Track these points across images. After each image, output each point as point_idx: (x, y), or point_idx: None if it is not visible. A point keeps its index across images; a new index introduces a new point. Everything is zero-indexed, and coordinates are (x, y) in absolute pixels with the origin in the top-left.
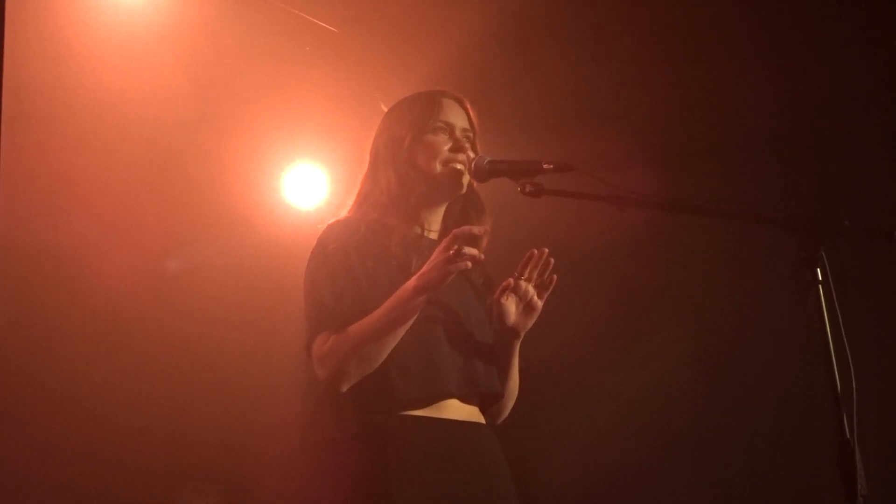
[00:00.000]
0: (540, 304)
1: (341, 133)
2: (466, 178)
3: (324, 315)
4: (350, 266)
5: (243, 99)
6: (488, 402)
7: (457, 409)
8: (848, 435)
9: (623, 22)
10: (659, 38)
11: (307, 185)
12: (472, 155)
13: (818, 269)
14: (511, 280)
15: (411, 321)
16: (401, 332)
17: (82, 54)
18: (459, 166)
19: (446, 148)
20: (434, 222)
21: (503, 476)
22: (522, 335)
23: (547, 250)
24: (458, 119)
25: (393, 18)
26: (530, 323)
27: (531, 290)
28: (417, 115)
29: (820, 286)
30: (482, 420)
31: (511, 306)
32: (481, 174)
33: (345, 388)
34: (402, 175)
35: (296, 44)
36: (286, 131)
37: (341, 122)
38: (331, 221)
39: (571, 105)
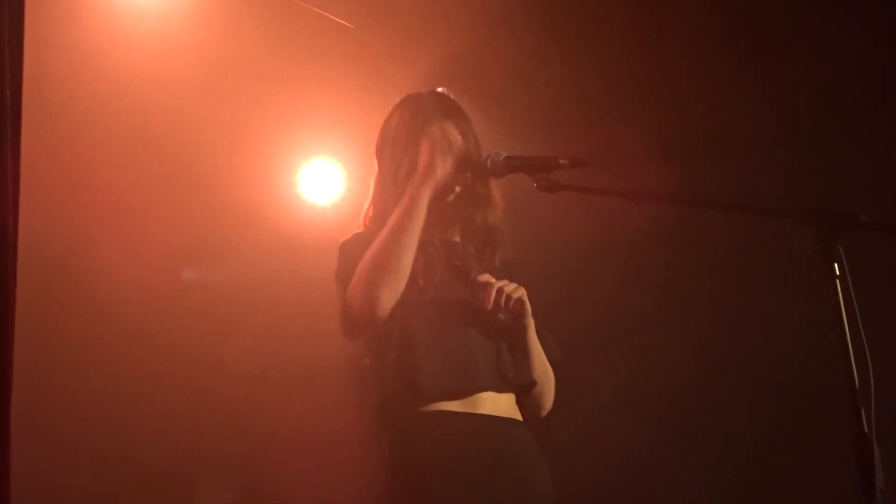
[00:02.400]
0: (517, 294)
1: (357, 128)
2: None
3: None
4: None
5: (259, 95)
6: (522, 391)
7: (492, 404)
8: (866, 429)
9: (636, 17)
10: (672, 32)
11: (323, 180)
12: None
13: (835, 264)
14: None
15: (421, 222)
16: (415, 230)
17: (99, 52)
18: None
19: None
20: (444, 223)
21: (540, 473)
22: (529, 321)
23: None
24: (458, 137)
25: (408, 14)
26: (526, 309)
27: (502, 293)
28: (420, 135)
29: (837, 280)
30: (518, 415)
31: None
32: (497, 170)
33: (380, 311)
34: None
35: (311, 39)
36: (302, 127)
37: (357, 118)
38: (344, 239)
39: (586, 100)
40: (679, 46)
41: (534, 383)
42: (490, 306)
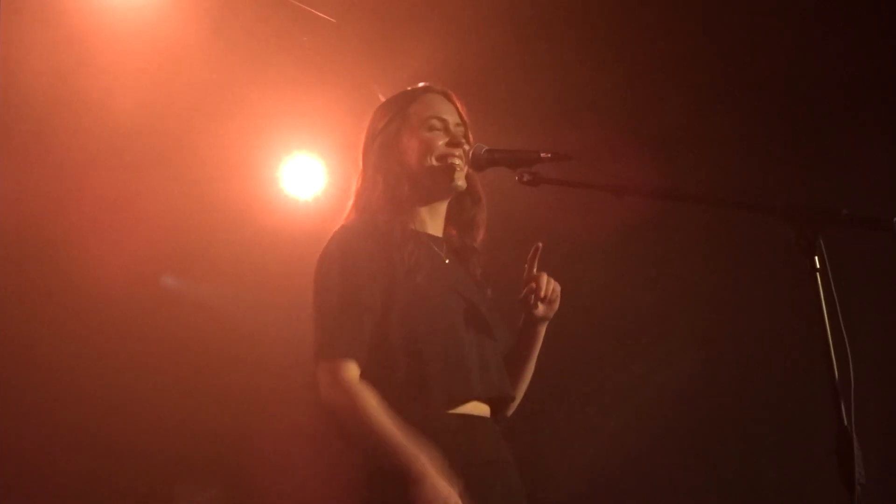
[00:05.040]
0: (559, 288)
1: (339, 124)
2: (462, 174)
3: (337, 339)
4: (361, 271)
5: (241, 90)
6: (500, 404)
7: (473, 406)
8: (846, 423)
9: (619, 14)
10: (654, 29)
11: (305, 175)
12: (467, 148)
13: (816, 258)
14: (533, 285)
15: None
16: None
17: (78, 44)
18: (457, 161)
19: (442, 143)
20: (433, 222)
21: (514, 468)
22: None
23: (540, 244)
24: (449, 114)
25: (390, 8)
26: (556, 307)
27: (551, 282)
28: (410, 111)
29: (818, 275)
30: (489, 415)
31: (539, 304)
32: (479, 163)
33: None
34: (394, 174)
35: (293, 34)
36: (284, 122)
37: (339, 113)
38: (336, 229)
39: (568, 96)
40: (662, 44)
41: (512, 398)
42: (542, 294)
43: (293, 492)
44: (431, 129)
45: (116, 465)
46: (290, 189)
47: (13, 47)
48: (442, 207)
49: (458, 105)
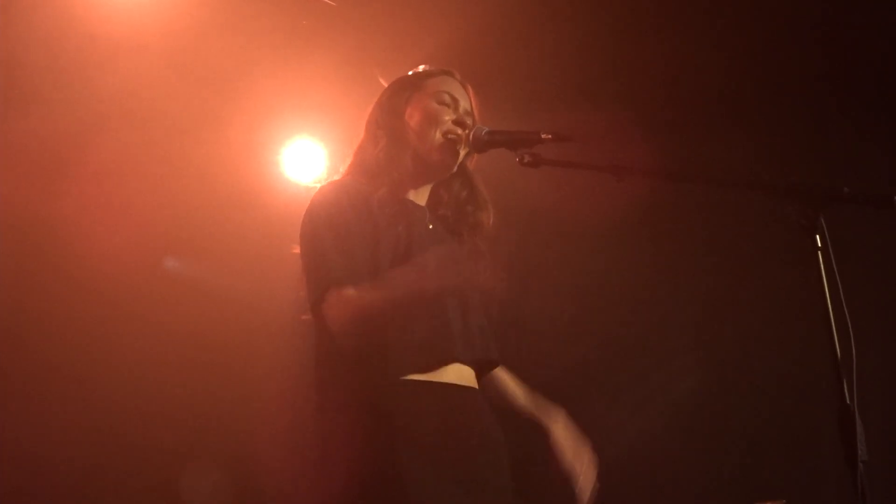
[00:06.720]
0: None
1: (340, 108)
2: (460, 156)
3: (333, 271)
4: (350, 223)
5: (242, 75)
6: (485, 367)
7: (457, 374)
8: (848, 401)
9: None
10: (656, 9)
11: (306, 160)
12: (469, 133)
13: (818, 237)
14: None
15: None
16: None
17: (78, 31)
18: (459, 141)
19: (448, 118)
20: (419, 194)
21: (499, 440)
22: None
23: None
24: (462, 98)
25: None
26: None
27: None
28: (423, 84)
29: (819, 253)
30: (475, 384)
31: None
32: (480, 144)
33: (355, 342)
34: (399, 131)
35: (293, 18)
36: (285, 107)
37: (340, 98)
38: (323, 184)
39: (569, 79)
40: (663, 26)
41: (496, 363)
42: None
43: (297, 478)
44: (441, 102)
45: (119, 453)
46: (291, 173)
47: (15, 31)
48: (427, 189)
49: (472, 97)
